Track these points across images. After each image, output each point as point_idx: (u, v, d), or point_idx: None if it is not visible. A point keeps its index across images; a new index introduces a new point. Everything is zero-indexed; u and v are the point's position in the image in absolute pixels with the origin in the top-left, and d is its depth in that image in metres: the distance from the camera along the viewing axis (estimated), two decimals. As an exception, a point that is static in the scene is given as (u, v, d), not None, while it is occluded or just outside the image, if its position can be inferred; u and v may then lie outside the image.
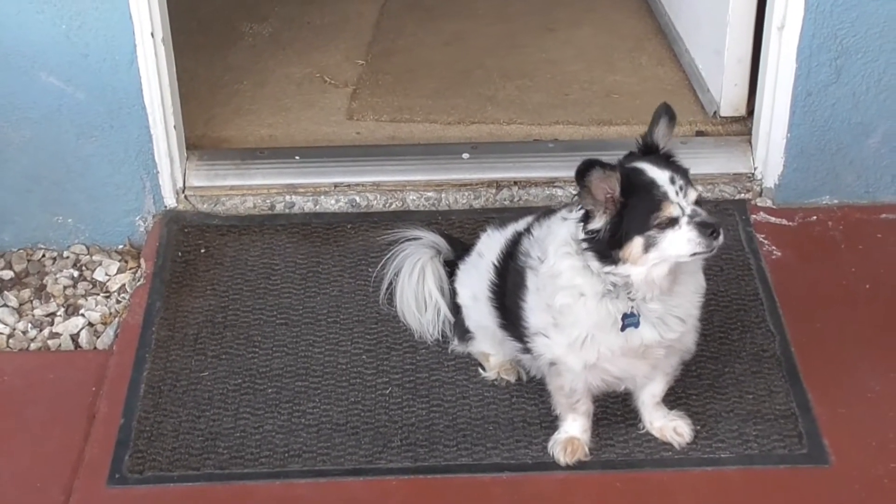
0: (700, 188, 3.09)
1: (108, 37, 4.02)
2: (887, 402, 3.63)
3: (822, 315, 3.92)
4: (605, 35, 5.45)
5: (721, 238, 3.06)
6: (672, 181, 3.04)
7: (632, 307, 3.18)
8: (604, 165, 2.99)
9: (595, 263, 3.12)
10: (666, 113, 3.16)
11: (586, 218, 3.08)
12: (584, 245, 3.11)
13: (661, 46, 5.32)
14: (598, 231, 3.06)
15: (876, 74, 4.14)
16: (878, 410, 3.60)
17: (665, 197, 3.03)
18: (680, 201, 3.03)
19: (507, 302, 3.42)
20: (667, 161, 3.12)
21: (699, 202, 3.07)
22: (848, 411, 3.60)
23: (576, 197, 3.11)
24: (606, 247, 3.08)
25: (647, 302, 3.19)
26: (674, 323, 3.25)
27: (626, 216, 3.03)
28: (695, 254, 3.06)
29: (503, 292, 3.44)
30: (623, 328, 3.20)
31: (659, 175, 3.05)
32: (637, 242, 3.05)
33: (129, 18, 4.00)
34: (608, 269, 3.12)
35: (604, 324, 3.21)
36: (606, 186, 3.00)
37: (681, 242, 3.04)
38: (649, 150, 3.15)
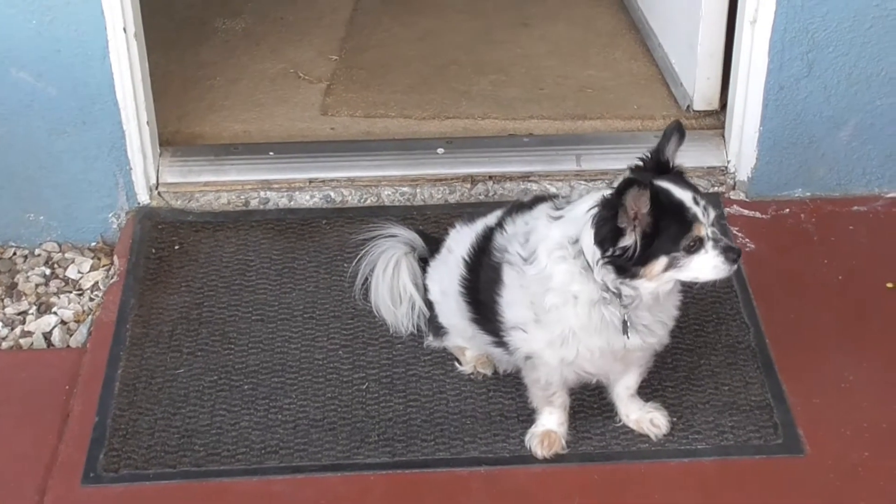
0: (716, 209, 3.15)
1: (79, 32, 4.01)
2: (861, 391, 3.65)
3: (795, 306, 3.94)
4: (580, 30, 5.45)
5: (739, 263, 3.14)
6: (696, 202, 3.07)
7: (625, 315, 3.19)
8: (640, 184, 2.98)
9: (611, 276, 3.12)
10: (677, 130, 3.16)
11: (616, 234, 3.04)
12: (605, 260, 3.09)
13: (634, 41, 5.33)
14: (627, 248, 3.05)
15: (847, 68, 4.17)
16: (852, 400, 3.62)
17: (696, 218, 3.06)
18: (706, 222, 3.07)
19: (482, 297, 3.41)
20: (684, 180, 3.14)
21: (715, 221, 3.12)
22: (822, 401, 3.62)
23: (596, 209, 3.08)
24: (630, 263, 3.08)
25: (639, 310, 3.20)
26: (658, 328, 3.28)
27: (658, 236, 3.04)
28: (716, 278, 3.11)
29: (476, 287, 3.44)
30: (625, 332, 3.21)
31: (685, 196, 3.07)
32: (661, 262, 3.07)
33: (101, 13, 3.98)
34: (623, 281, 3.12)
35: (591, 327, 3.21)
36: (640, 205, 3.00)
37: (706, 267, 3.09)
38: (659, 166, 3.16)
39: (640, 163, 3.18)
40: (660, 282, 3.12)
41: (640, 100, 4.92)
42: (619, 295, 3.15)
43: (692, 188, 3.12)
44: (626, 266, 3.08)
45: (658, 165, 3.16)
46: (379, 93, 5.01)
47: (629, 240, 3.04)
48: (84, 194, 4.28)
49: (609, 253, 3.06)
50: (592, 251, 3.10)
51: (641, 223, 3.01)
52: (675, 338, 3.49)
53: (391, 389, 3.68)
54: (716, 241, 3.08)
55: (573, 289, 3.17)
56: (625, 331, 3.20)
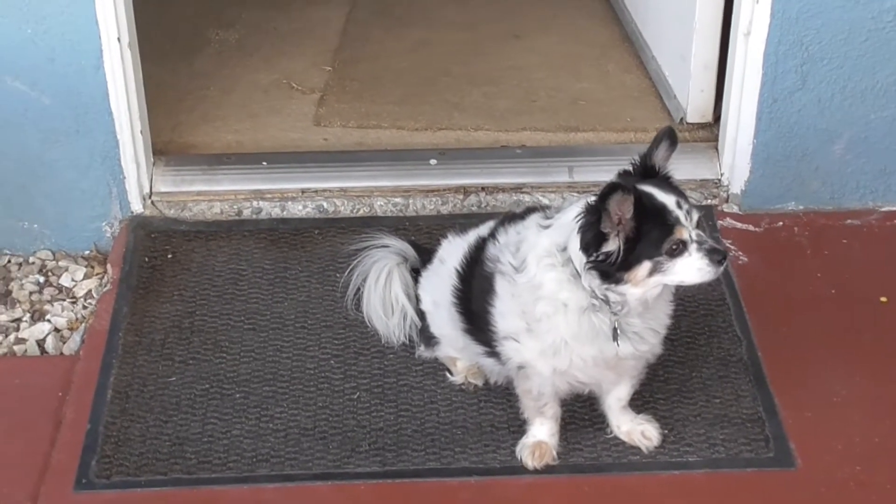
0: (699, 212, 3.13)
1: (74, 41, 4.01)
2: (853, 405, 3.65)
3: (788, 320, 3.94)
4: (572, 42, 5.47)
5: (726, 264, 3.11)
6: (679, 205, 3.06)
7: (615, 322, 3.20)
8: (624, 188, 2.98)
9: (596, 282, 3.12)
10: (668, 137, 3.15)
11: (599, 239, 3.05)
12: (589, 265, 3.09)
13: (627, 53, 5.35)
14: (611, 253, 3.05)
15: (841, 81, 4.17)
16: (844, 414, 3.62)
17: (677, 221, 3.04)
18: (688, 225, 3.06)
19: (474, 307, 3.41)
20: (669, 184, 3.13)
21: (700, 225, 3.10)
22: (814, 415, 3.62)
23: (581, 215, 3.08)
24: (613, 268, 3.07)
25: (629, 317, 3.20)
26: (649, 335, 3.27)
27: (640, 240, 3.04)
28: (702, 281, 3.10)
29: (468, 297, 3.44)
30: (615, 339, 3.21)
31: (667, 199, 3.06)
32: (645, 266, 3.06)
33: (96, 23, 3.99)
34: (608, 286, 3.12)
35: (582, 335, 3.21)
36: (624, 211, 3.00)
37: (690, 270, 3.08)
38: (647, 172, 3.16)
39: (630, 168, 3.18)
40: (646, 287, 3.11)
41: (633, 112, 4.93)
42: (607, 302, 3.15)
43: (677, 192, 3.10)
44: (611, 272, 3.08)
45: (646, 171, 3.15)
46: (372, 104, 5.02)
47: (612, 245, 3.04)
48: (78, 203, 4.28)
49: (593, 258, 3.06)
50: (579, 257, 3.10)
51: (625, 228, 3.01)
52: (666, 350, 3.50)
53: (382, 399, 3.68)
54: (700, 243, 3.06)
55: (562, 296, 3.17)
56: (615, 338, 3.20)
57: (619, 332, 3.20)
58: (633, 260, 3.05)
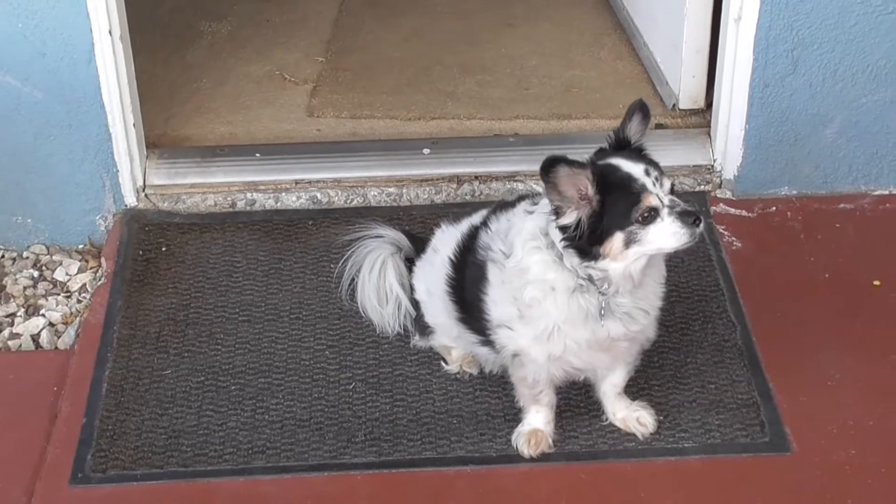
0: (669, 178, 3.09)
1: (65, 35, 4.00)
2: (847, 389, 3.66)
3: (782, 304, 3.95)
4: (564, 30, 5.46)
5: (702, 226, 3.06)
6: (647, 173, 3.04)
7: (602, 301, 3.20)
8: (570, 163, 2.98)
9: (575, 260, 3.12)
10: (640, 109, 3.14)
11: (556, 214, 3.07)
12: (564, 243, 3.10)
13: (619, 41, 5.34)
14: (567, 227, 3.06)
15: (832, 65, 4.17)
16: (838, 398, 3.63)
17: (644, 189, 3.03)
18: (658, 192, 3.04)
19: (467, 295, 3.42)
20: (639, 154, 3.12)
21: (674, 191, 3.08)
22: (809, 399, 3.63)
23: (540, 192, 3.12)
24: (587, 244, 3.07)
25: (617, 296, 3.20)
26: (639, 315, 3.26)
27: (606, 213, 3.03)
28: (679, 246, 3.07)
29: (461, 286, 3.44)
30: (602, 316, 3.20)
31: (634, 168, 3.05)
32: (618, 238, 3.05)
33: (87, 16, 3.98)
34: (588, 264, 3.12)
35: (573, 318, 3.21)
36: (578, 184, 3.00)
37: (665, 235, 3.05)
38: (621, 145, 3.15)
39: (605, 146, 3.17)
40: (626, 260, 3.10)
41: (625, 99, 4.88)
42: (592, 281, 3.15)
43: (646, 160, 3.09)
44: (586, 248, 3.08)
45: (620, 144, 3.15)
46: (364, 94, 5.01)
47: (568, 219, 3.04)
48: (71, 197, 4.28)
49: (564, 235, 3.07)
50: (558, 237, 3.11)
51: (591, 202, 3.02)
52: (661, 336, 3.51)
53: (378, 389, 3.68)
54: (671, 207, 3.04)
55: (549, 278, 3.17)
56: (601, 316, 3.19)
57: (609, 311, 3.19)
58: (604, 233, 3.05)
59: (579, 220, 3.04)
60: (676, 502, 3.36)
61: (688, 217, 3.03)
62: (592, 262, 3.11)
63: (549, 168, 2.97)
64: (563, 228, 3.07)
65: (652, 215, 3.03)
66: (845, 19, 4.09)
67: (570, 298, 3.19)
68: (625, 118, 3.15)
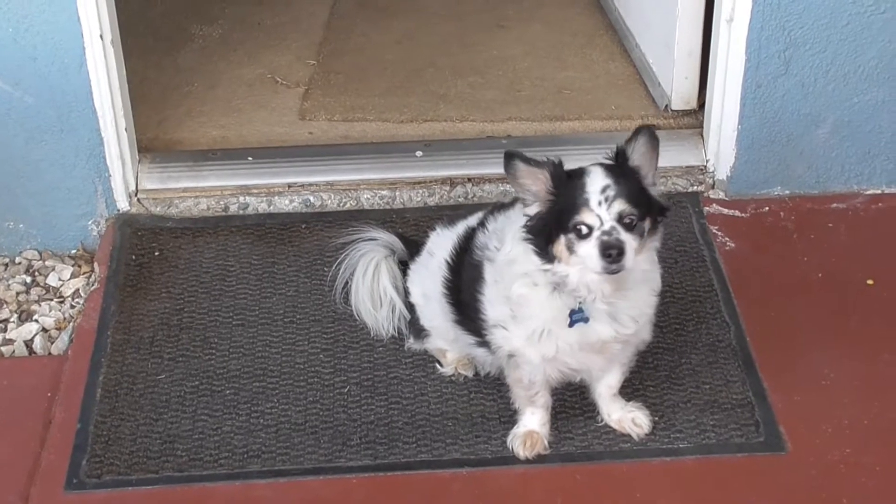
0: (626, 205, 3.03)
1: (56, 39, 4.00)
2: (841, 388, 3.66)
3: (775, 304, 3.95)
4: (556, 32, 5.46)
5: (624, 263, 3.02)
6: (602, 191, 3.03)
7: (579, 303, 3.20)
8: (527, 160, 3.06)
9: (534, 258, 3.15)
10: (647, 132, 3.11)
11: (524, 205, 3.15)
12: (524, 237, 3.14)
13: (611, 42, 5.35)
14: (530, 216, 3.11)
15: (824, 66, 4.18)
16: (833, 397, 3.64)
17: (585, 203, 3.03)
18: (601, 212, 3.02)
19: (464, 296, 3.42)
20: (620, 172, 3.08)
21: (627, 220, 3.03)
22: (803, 399, 3.63)
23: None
24: (542, 241, 3.11)
25: (596, 302, 3.20)
26: (626, 321, 3.26)
27: (554, 213, 3.07)
28: (595, 271, 3.06)
29: (458, 288, 3.45)
30: (571, 324, 3.21)
31: (594, 182, 3.04)
32: (561, 241, 3.08)
33: (78, 21, 3.98)
34: (546, 266, 3.14)
35: (558, 318, 3.22)
36: (538, 180, 3.07)
37: (588, 255, 3.05)
38: (617, 160, 3.14)
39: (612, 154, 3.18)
40: (576, 266, 3.10)
41: (617, 100, 4.93)
42: (562, 285, 3.17)
43: (619, 183, 3.04)
44: (539, 244, 3.12)
45: (616, 158, 3.14)
46: (357, 97, 5.01)
47: (532, 210, 3.11)
48: (63, 202, 4.27)
49: (522, 225, 3.14)
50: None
51: (543, 200, 3.08)
52: (655, 337, 3.51)
53: (372, 392, 3.68)
54: (606, 233, 3.02)
55: (530, 268, 3.18)
56: (571, 323, 3.20)
57: (588, 316, 3.19)
58: (553, 233, 3.08)
59: (539, 213, 3.09)
60: (672, 503, 3.36)
61: (609, 249, 3.01)
62: (550, 266, 3.13)
63: (506, 162, 3.08)
64: (526, 217, 3.13)
65: (585, 232, 3.04)
66: (837, 19, 4.10)
67: (550, 295, 3.20)
68: (630, 137, 3.13)
